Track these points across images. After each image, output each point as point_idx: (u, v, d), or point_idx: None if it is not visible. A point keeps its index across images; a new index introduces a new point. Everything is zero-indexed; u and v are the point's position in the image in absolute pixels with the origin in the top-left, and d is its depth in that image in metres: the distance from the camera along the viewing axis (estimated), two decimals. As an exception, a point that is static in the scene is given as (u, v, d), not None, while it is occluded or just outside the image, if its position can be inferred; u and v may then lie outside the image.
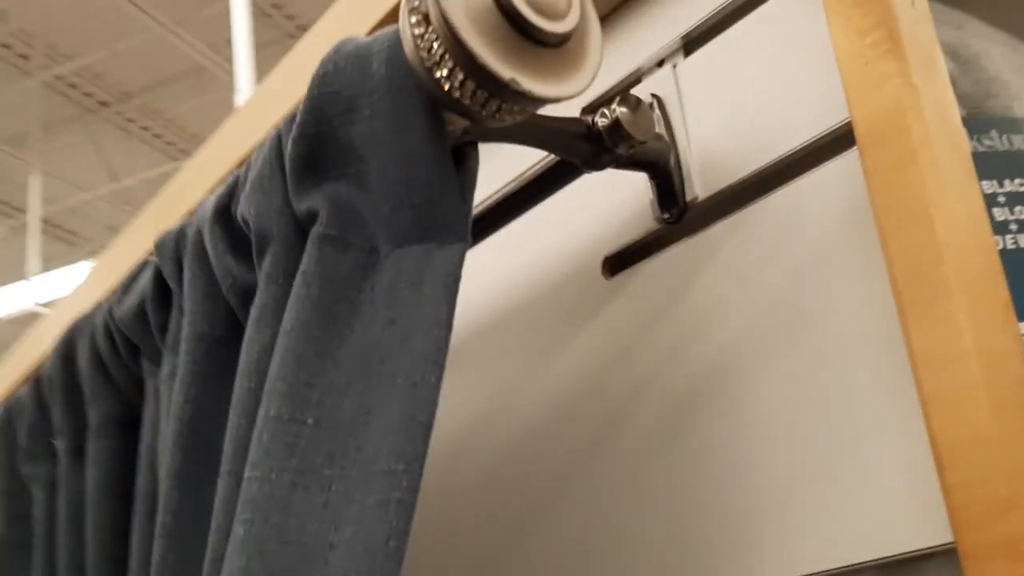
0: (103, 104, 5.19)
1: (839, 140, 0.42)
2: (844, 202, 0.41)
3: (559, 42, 0.35)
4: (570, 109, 0.52)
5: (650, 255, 0.48)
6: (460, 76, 0.34)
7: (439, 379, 0.33)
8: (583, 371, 0.50)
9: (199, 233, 0.45)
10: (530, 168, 0.47)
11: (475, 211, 0.48)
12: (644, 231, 0.48)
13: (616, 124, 0.43)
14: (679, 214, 0.47)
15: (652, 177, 0.47)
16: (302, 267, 0.36)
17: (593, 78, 0.36)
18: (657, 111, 0.48)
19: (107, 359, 0.52)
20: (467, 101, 0.35)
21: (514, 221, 0.50)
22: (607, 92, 0.52)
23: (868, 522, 0.38)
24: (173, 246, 0.47)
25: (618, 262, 0.50)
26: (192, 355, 0.42)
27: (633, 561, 0.46)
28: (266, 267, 0.38)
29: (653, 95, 0.48)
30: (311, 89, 0.38)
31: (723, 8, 0.47)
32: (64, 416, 0.54)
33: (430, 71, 0.35)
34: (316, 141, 0.38)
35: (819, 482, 0.40)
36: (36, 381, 0.58)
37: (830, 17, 0.41)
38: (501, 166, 0.50)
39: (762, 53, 0.46)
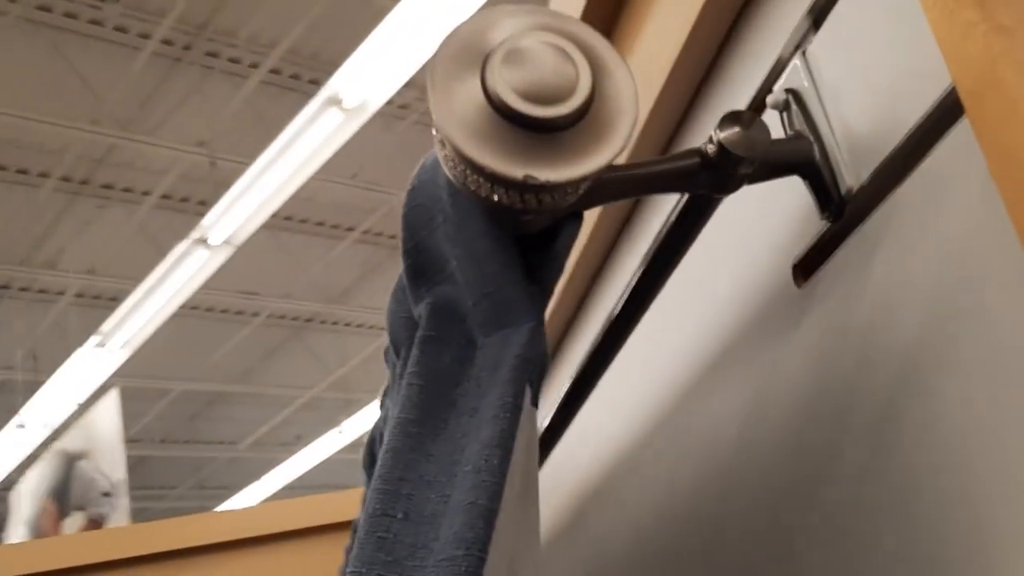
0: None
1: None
2: (983, 168, 0.36)
3: (572, 121, 0.35)
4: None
5: (827, 257, 0.45)
6: (487, 185, 0.35)
7: (503, 460, 0.34)
8: (801, 389, 0.48)
9: None
10: (673, 209, 0.46)
11: (641, 267, 0.48)
12: (817, 233, 0.45)
13: (722, 149, 0.41)
14: (838, 210, 0.43)
15: (803, 177, 0.44)
16: (408, 369, 0.39)
17: (627, 138, 0.36)
18: (795, 106, 0.45)
19: None
20: (507, 202, 0.36)
21: (691, 251, 0.49)
22: (759, 90, 0.49)
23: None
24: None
25: (806, 268, 0.47)
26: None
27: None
28: (398, 372, 0.42)
29: (787, 91, 0.45)
30: (404, 206, 0.42)
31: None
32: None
33: (465, 185, 0.36)
34: (415, 253, 0.41)
35: None
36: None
37: (907, -31, 0.36)
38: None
39: (884, 12, 0.41)
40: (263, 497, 7.85)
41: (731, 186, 0.43)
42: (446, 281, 0.40)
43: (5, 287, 6.05)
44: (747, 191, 0.45)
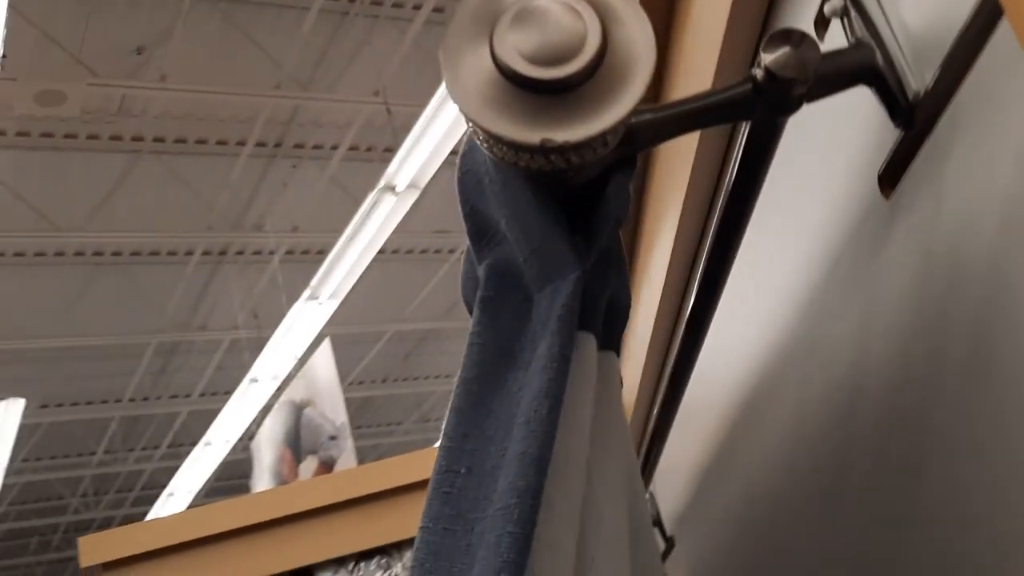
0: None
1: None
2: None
3: (584, 78, 0.34)
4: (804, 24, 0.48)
5: (907, 166, 0.42)
6: (511, 152, 0.36)
7: (552, 409, 0.34)
8: (903, 304, 0.46)
9: None
10: (739, 137, 0.45)
11: (724, 199, 0.47)
12: (894, 141, 0.43)
13: (770, 75, 0.39)
14: (908, 116, 0.41)
15: (869, 85, 0.42)
16: (470, 329, 0.40)
17: (645, 86, 0.35)
18: (854, 12, 0.42)
19: None
20: (536, 166, 0.36)
21: (776, 168, 0.48)
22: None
23: None
24: None
25: (891, 178, 0.44)
26: None
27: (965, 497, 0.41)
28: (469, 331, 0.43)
29: (845, -3, 0.42)
30: (457, 171, 0.42)
31: None
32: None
33: (493, 153, 0.37)
34: (472, 217, 0.42)
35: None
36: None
37: None
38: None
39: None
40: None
41: (788, 108, 0.41)
42: (503, 241, 0.41)
43: (223, 253, 6.46)
44: (819, 105, 0.43)
